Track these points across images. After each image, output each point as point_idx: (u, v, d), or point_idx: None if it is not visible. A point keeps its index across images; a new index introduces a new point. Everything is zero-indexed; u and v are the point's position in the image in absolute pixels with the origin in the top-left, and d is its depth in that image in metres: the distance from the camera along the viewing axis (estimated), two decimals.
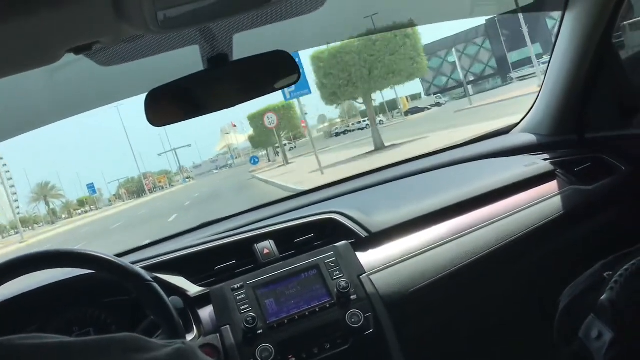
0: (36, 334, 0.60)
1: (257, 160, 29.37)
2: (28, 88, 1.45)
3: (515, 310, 1.76)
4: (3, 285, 1.31)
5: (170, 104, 1.37)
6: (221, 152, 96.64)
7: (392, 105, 61.04)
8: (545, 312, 1.41)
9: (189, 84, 1.35)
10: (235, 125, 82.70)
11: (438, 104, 53.14)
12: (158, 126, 1.36)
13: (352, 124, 58.71)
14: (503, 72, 58.35)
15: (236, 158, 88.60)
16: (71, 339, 0.61)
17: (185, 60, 1.40)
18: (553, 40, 2.01)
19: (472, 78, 60.60)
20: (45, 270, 1.34)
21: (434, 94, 61.83)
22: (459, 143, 2.41)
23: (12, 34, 0.82)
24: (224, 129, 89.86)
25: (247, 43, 1.38)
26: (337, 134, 55.81)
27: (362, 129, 50.93)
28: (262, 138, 35.78)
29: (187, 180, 79.55)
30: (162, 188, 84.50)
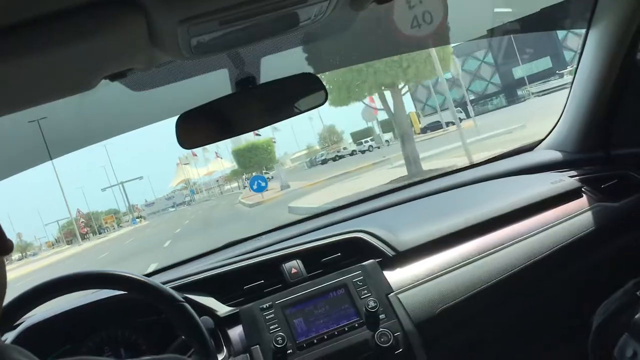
0: (83, 357, 0.61)
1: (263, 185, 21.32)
2: (63, 113, 1.49)
3: (545, 329, 1.75)
4: (37, 307, 1.34)
5: (200, 127, 1.40)
6: (178, 188, 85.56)
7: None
8: (576, 330, 1.40)
9: (218, 106, 1.38)
10: (195, 155, 71.36)
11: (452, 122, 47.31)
12: (188, 148, 1.40)
13: (343, 148, 51.44)
14: (512, 87, 53.46)
15: (196, 193, 77.89)
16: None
17: (214, 83, 1.43)
18: (565, 53, 2.00)
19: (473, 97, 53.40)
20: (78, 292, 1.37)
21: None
22: (484, 160, 2.40)
23: (51, 63, 0.85)
24: (182, 159, 77.41)
25: (274, 66, 1.41)
26: (324, 161, 47.41)
27: (362, 151, 46.12)
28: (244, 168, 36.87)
29: (138, 220, 69.26)
30: (107, 230, 73.50)
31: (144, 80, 1.28)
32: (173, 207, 74.01)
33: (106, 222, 77.51)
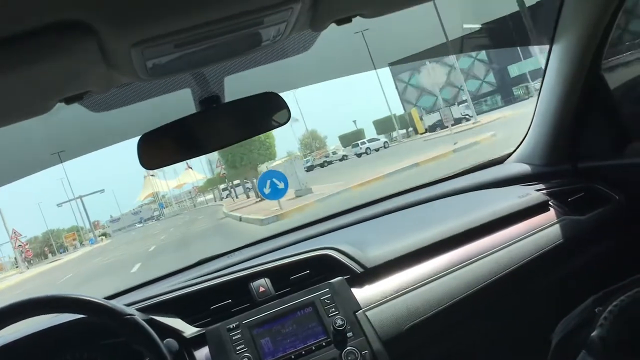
0: None
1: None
2: (20, 136, 1.47)
3: (511, 344, 1.75)
4: None
5: (164, 147, 1.39)
6: (146, 202, 76.48)
7: (404, 122, 47.45)
8: (540, 345, 1.40)
9: (182, 125, 1.37)
10: None
11: (465, 118, 38.88)
12: (151, 169, 1.39)
13: (332, 153, 45.67)
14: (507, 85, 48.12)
15: (166, 207, 70.89)
16: None
17: (177, 103, 1.42)
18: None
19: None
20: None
21: (458, 103, 44.94)
22: (454, 173, 2.42)
23: (4, 87, 0.83)
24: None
25: (238, 84, 1.41)
26: (310, 168, 41.14)
27: (359, 154, 41.04)
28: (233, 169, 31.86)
29: (100, 238, 60.79)
30: (67, 250, 63.80)
31: (103, 100, 1.27)
32: (140, 222, 67.80)
33: (67, 241, 67.16)
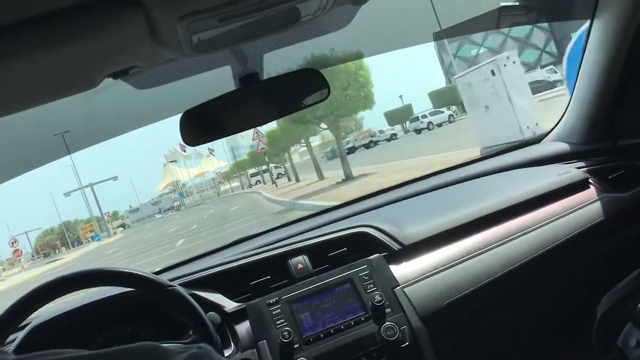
0: (53, 350, 0.60)
1: None
2: (67, 113, 1.50)
3: (552, 320, 1.74)
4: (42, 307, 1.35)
5: (204, 124, 1.41)
6: (165, 192, 72.73)
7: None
8: (583, 322, 1.40)
9: (222, 103, 1.39)
10: (184, 149, 57.84)
11: (553, 84, 30.79)
12: (193, 145, 1.41)
13: (379, 132, 40.76)
14: None
15: (186, 197, 66.31)
16: (88, 352, 0.61)
17: (217, 80, 1.44)
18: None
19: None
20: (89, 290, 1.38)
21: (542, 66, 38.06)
22: (490, 154, 2.40)
23: (53, 62, 0.85)
24: (169, 155, 64.61)
25: (277, 61, 1.42)
26: (351, 150, 36.12)
27: (418, 130, 36.25)
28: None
29: (114, 231, 56.33)
30: (81, 243, 58.73)
31: (147, 78, 1.28)
32: (160, 212, 65.19)
33: (83, 233, 61.88)
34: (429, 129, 35.37)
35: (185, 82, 1.40)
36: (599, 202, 1.78)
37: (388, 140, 38.11)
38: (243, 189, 44.15)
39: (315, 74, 1.42)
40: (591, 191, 1.82)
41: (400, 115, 45.05)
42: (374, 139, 39.02)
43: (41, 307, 1.36)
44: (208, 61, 1.33)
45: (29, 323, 1.54)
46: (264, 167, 33.04)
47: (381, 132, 40.77)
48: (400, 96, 54.06)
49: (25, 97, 0.96)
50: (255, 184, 40.17)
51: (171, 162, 63.84)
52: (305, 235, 1.79)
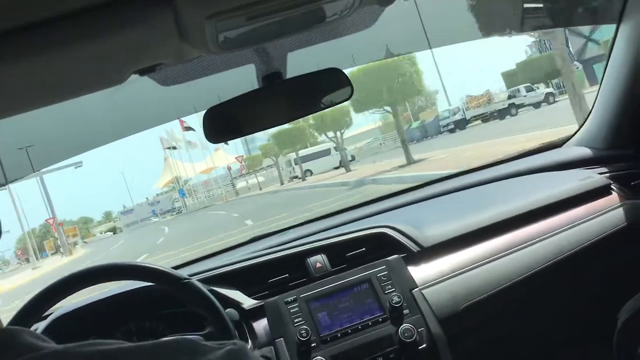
0: (92, 340, 0.62)
1: None
2: (90, 108, 1.52)
3: (571, 326, 1.73)
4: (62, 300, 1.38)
5: (227, 122, 1.42)
6: (165, 190, 60.70)
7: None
8: (603, 328, 1.38)
9: (245, 101, 1.40)
10: (187, 129, 43.20)
11: None
12: (215, 142, 1.42)
13: (509, 96, 29.38)
14: None
15: (187, 197, 53.54)
16: (127, 344, 0.62)
17: (240, 78, 1.45)
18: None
19: None
20: (107, 284, 1.41)
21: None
22: (512, 156, 2.38)
23: (82, 58, 0.86)
24: (165, 140, 49.81)
25: (301, 61, 1.42)
26: (453, 129, 29.07)
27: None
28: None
29: (73, 243, 44.36)
30: (58, 252, 44.36)
31: (172, 75, 1.30)
32: (155, 215, 54.22)
33: (69, 235, 47.12)
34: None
35: (208, 79, 1.41)
36: (621, 209, 1.75)
37: (536, 105, 26.95)
38: (282, 184, 30.45)
39: (339, 73, 1.42)
40: (613, 197, 1.80)
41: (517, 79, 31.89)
42: (515, 100, 27.88)
43: (63, 299, 1.38)
44: (232, 59, 1.34)
45: (51, 314, 1.56)
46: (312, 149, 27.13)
47: (511, 97, 29.18)
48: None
49: (56, 92, 0.98)
50: (297, 176, 29.22)
51: (168, 148, 51.77)
52: (323, 235, 1.79)
